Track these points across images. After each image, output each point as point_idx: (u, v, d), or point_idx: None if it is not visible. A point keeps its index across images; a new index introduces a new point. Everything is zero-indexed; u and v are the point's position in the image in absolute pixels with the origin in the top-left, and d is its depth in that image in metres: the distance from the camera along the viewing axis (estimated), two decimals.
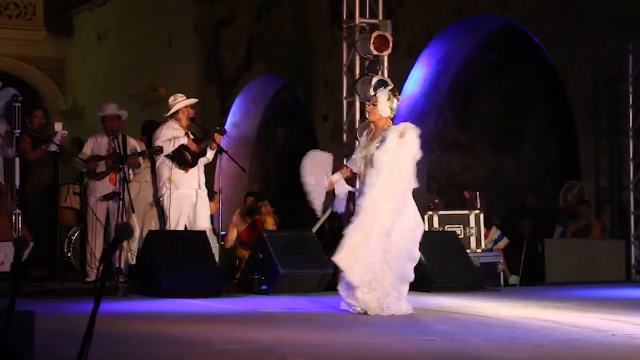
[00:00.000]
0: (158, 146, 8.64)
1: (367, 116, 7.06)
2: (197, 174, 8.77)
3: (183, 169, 8.66)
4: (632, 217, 10.35)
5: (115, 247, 3.21)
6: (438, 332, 5.67)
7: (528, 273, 9.73)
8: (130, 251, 8.66)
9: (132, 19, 16.38)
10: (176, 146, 8.63)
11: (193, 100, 8.95)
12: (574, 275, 9.60)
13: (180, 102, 8.80)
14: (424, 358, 4.85)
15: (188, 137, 8.76)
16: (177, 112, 8.78)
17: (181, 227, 8.67)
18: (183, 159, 8.65)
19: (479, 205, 9.89)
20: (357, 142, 9.17)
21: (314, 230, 9.33)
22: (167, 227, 8.64)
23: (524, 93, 12.56)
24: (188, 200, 8.70)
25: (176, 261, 8.02)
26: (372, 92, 6.97)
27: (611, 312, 6.75)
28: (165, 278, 7.87)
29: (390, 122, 6.78)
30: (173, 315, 6.81)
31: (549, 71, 11.41)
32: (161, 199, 8.71)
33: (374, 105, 6.77)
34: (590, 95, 10.96)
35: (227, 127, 15.08)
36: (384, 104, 6.74)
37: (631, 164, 10.38)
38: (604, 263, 9.96)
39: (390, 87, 6.88)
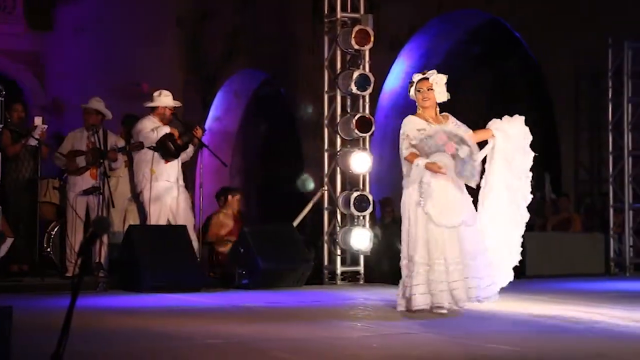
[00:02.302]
0: (138, 141, 8.58)
1: (420, 102, 6.34)
2: (176, 167, 8.72)
3: (165, 160, 8.59)
4: (611, 210, 10.41)
5: (92, 241, 3.18)
6: (419, 326, 5.68)
7: None
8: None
9: (113, 12, 16.27)
10: (160, 135, 8.57)
11: (176, 103, 8.88)
12: (554, 269, 9.64)
13: (163, 99, 8.75)
14: (405, 352, 4.85)
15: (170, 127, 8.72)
16: (157, 107, 8.74)
17: (163, 222, 8.62)
18: (167, 149, 8.59)
19: None
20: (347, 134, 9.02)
21: (296, 223, 9.30)
22: (148, 222, 8.59)
23: (507, 87, 12.59)
24: (169, 194, 8.64)
25: (157, 256, 7.98)
26: (416, 78, 6.38)
27: (591, 304, 6.79)
28: (146, 273, 7.83)
29: None
30: (154, 310, 6.78)
31: (532, 65, 11.45)
32: (140, 193, 8.65)
33: (429, 89, 6.29)
34: (571, 89, 11.01)
35: (208, 121, 15.07)
36: (443, 87, 6.33)
37: (610, 157, 10.44)
38: (584, 256, 10.01)
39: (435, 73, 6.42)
